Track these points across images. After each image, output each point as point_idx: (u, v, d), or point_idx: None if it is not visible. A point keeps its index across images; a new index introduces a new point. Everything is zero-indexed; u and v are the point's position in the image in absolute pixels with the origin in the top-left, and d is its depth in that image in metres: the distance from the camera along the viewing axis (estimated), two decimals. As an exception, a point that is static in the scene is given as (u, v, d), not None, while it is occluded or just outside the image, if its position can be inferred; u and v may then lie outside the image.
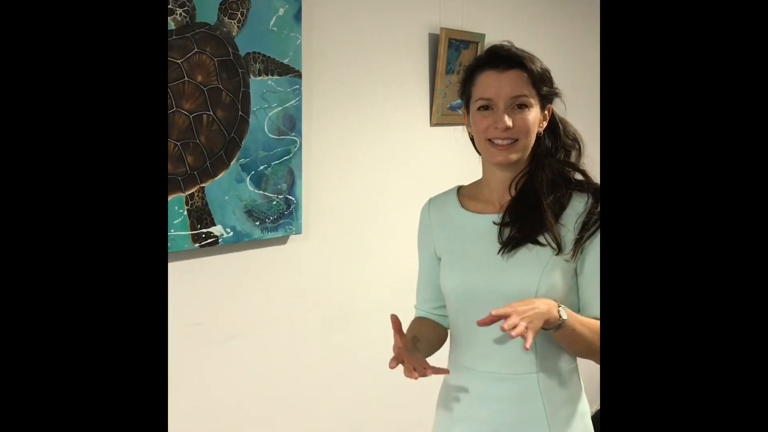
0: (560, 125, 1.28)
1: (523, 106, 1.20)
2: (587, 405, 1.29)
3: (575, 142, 1.28)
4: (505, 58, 1.22)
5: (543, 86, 1.23)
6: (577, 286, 1.23)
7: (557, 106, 1.30)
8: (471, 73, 1.25)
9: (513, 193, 1.24)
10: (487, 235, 1.24)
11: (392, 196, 2.18)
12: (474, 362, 1.26)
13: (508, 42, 1.26)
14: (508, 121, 1.19)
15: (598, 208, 1.19)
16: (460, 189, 1.36)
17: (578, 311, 1.21)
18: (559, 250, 1.18)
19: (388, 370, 1.11)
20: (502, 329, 1.02)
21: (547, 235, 1.19)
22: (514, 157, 1.22)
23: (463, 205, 1.31)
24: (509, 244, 1.20)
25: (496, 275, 1.21)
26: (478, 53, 2.32)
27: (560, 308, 1.12)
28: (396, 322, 1.13)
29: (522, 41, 1.30)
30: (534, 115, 1.21)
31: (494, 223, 1.24)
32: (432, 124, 2.28)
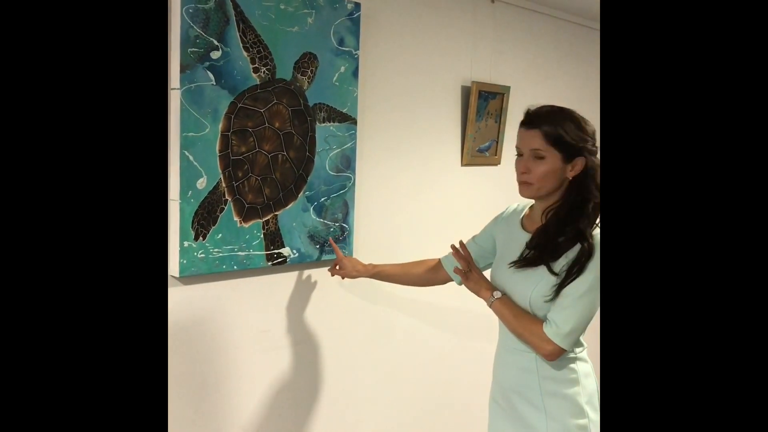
0: (588, 180, 1.49)
1: (539, 158, 1.50)
2: (587, 390, 1.55)
3: (587, 198, 1.48)
4: (530, 118, 1.53)
5: (562, 144, 1.47)
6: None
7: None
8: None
9: (544, 220, 1.55)
10: (519, 249, 1.57)
11: (429, 226, 2.47)
12: (501, 336, 1.65)
13: (540, 106, 1.54)
14: (525, 167, 1.52)
15: (583, 260, 1.43)
16: (531, 206, 1.66)
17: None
18: (553, 274, 1.48)
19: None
20: (455, 269, 1.64)
21: (546, 266, 1.49)
22: (528, 194, 1.55)
23: (522, 219, 1.64)
24: (520, 263, 1.54)
25: (511, 278, 1.56)
26: (503, 103, 2.65)
27: (494, 295, 1.55)
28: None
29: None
30: (548, 166, 1.48)
31: (525, 243, 1.56)
32: (463, 164, 2.57)
